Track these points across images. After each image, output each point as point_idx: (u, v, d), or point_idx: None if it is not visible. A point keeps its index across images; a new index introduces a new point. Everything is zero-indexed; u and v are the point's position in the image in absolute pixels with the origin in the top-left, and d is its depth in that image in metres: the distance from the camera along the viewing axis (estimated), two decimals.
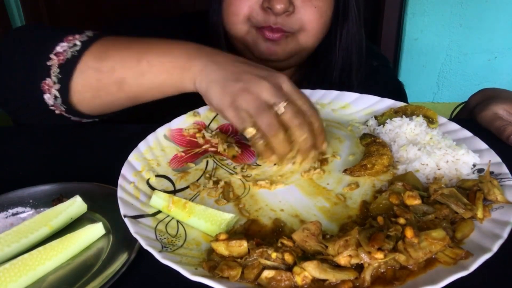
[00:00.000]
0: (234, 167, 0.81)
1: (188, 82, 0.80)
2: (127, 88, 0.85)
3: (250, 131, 0.72)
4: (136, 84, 0.84)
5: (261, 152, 0.74)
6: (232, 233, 0.65)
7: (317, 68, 1.17)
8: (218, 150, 0.85)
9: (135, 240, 0.61)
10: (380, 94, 0.99)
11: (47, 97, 0.87)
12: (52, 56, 0.86)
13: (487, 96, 1.00)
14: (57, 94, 0.86)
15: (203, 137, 0.89)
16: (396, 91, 1.30)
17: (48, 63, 0.85)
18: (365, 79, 1.20)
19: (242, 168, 0.81)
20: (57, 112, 0.90)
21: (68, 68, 0.85)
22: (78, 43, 0.86)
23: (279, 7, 0.95)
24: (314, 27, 1.03)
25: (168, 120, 0.91)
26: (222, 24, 1.07)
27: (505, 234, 0.58)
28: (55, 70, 0.85)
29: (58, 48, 0.86)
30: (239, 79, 0.73)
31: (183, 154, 0.85)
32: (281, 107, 0.71)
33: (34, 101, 0.88)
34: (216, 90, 0.75)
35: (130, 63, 0.83)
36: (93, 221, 0.68)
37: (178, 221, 0.68)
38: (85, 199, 0.70)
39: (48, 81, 0.86)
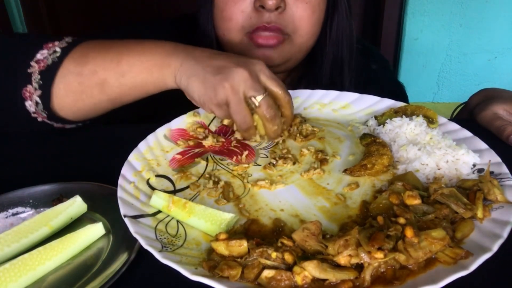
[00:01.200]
0: (234, 167, 0.81)
1: (168, 79, 0.83)
2: (109, 89, 0.86)
3: (225, 122, 0.89)
4: (117, 85, 0.86)
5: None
6: (232, 233, 0.65)
7: (311, 64, 1.16)
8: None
9: (135, 240, 0.61)
10: (380, 97, 0.99)
11: (29, 104, 0.88)
12: (32, 63, 0.86)
13: (487, 96, 0.99)
14: (39, 100, 0.87)
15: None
16: (396, 93, 1.29)
17: (29, 71, 0.86)
18: (365, 82, 1.20)
19: (241, 168, 0.81)
20: (39, 119, 0.90)
21: (49, 74, 0.86)
22: (58, 49, 0.87)
23: (270, 2, 0.95)
24: (307, 24, 1.02)
25: (168, 120, 0.91)
26: (214, 30, 1.06)
27: (505, 234, 0.58)
28: (36, 77, 0.86)
29: (39, 56, 0.87)
30: (218, 72, 0.77)
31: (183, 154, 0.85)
32: (256, 102, 0.77)
33: (15, 109, 0.88)
34: (196, 84, 0.78)
35: (110, 65, 0.85)
36: (93, 221, 0.68)
37: (178, 221, 0.68)
38: (85, 199, 0.70)
39: (29, 88, 0.86)
